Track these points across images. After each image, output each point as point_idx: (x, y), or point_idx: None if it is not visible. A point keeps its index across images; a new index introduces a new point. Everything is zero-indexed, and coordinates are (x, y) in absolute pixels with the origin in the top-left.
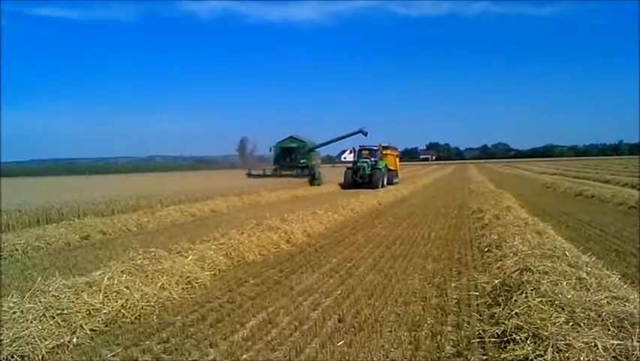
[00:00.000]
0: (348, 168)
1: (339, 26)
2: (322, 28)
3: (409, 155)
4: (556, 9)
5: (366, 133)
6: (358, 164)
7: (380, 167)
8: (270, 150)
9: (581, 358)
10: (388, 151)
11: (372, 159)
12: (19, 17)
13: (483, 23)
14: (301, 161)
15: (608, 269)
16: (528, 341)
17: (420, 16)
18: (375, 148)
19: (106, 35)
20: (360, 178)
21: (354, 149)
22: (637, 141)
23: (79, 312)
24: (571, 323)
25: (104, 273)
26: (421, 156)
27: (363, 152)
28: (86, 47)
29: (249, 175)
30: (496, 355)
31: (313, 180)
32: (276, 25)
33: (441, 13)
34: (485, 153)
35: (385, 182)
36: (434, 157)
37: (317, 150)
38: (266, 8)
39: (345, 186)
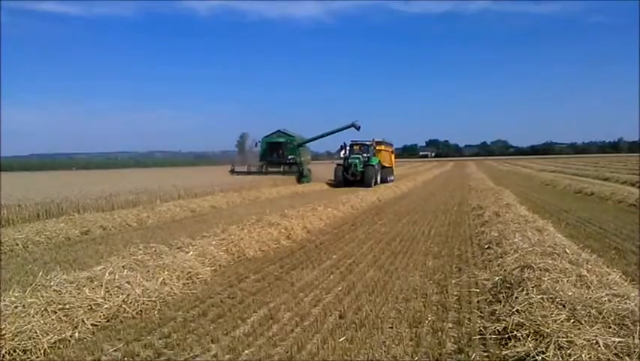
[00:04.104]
0: (338, 165)
1: (339, 23)
2: (322, 26)
3: (408, 151)
4: (556, 7)
5: (359, 127)
6: (350, 160)
7: (373, 163)
8: (256, 144)
9: (583, 355)
10: (382, 147)
11: (365, 155)
12: (19, 13)
13: (482, 21)
14: (289, 157)
15: (608, 267)
16: (529, 338)
17: (420, 14)
18: (368, 143)
19: (106, 31)
20: (351, 175)
21: (344, 144)
22: (637, 139)
23: (80, 307)
24: (572, 320)
25: (105, 268)
26: (421, 153)
27: (355, 147)
28: (87, 42)
29: (232, 172)
30: (497, 352)
31: (301, 177)
32: (275, 22)
33: (441, 11)
34: (484, 150)
35: (379, 180)
36: (433, 154)
37: (307, 145)
38: (265, 5)
39: (335, 184)
